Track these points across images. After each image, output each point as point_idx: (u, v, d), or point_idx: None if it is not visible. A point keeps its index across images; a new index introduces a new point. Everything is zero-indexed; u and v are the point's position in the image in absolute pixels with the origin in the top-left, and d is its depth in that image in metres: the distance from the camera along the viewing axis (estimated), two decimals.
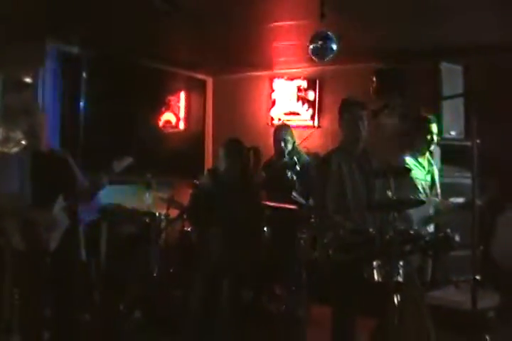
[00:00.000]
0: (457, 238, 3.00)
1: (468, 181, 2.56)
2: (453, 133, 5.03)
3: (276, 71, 6.47)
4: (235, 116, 6.70)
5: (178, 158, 6.40)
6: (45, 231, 3.40)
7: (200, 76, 6.93)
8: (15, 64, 4.93)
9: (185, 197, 5.05)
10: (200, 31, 4.82)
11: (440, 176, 4.27)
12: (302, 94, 6.29)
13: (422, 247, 2.96)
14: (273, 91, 6.49)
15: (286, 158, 4.60)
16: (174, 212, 4.96)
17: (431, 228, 3.86)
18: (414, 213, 3.60)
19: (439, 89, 5.05)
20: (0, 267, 3.54)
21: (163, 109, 6.45)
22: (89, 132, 4.96)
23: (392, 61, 5.50)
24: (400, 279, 2.86)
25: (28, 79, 5.07)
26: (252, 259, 3.62)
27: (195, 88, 6.87)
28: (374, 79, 5.42)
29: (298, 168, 4.55)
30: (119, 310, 4.45)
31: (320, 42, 4.00)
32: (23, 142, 3.38)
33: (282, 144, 4.75)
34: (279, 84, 6.45)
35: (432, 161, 4.26)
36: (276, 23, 4.59)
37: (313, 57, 4.13)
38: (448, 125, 4.99)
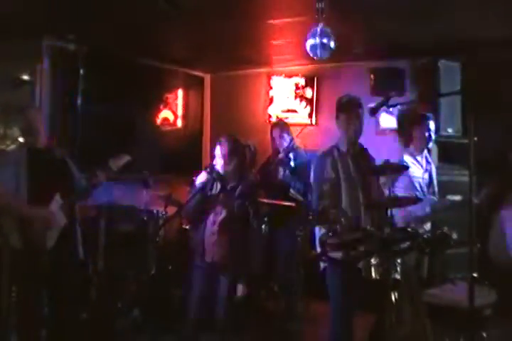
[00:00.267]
0: (454, 236, 3.01)
1: (466, 179, 2.56)
2: (450, 130, 5.03)
3: (274, 68, 6.46)
4: (232, 113, 6.69)
5: (175, 155, 6.39)
6: (43, 229, 3.40)
7: (197, 73, 6.92)
8: (12, 61, 4.92)
9: (183, 194, 5.06)
10: (197, 28, 4.81)
11: (437, 174, 4.28)
12: (300, 91, 6.29)
13: (420, 245, 2.97)
14: (271, 88, 6.49)
15: (282, 155, 4.60)
16: (172, 210, 4.96)
17: (428, 226, 3.87)
18: (412, 211, 3.61)
19: (437, 87, 5.06)
20: None
21: (161, 106, 6.43)
22: (86, 130, 4.95)
23: (389, 58, 5.50)
24: (398, 277, 2.87)
25: (25, 77, 5.06)
26: (248, 257, 3.62)
27: (193, 85, 6.85)
28: (372, 76, 5.42)
29: (292, 164, 4.56)
30: (117, 309, 4.45)
31: (318, 40, 3.99)
32: (20, 140, 3.37)
33: (278, 141, 4.75)
34: (277, 81, 6.44)
35: (430, 159, 4.26)
36: (274, 20, 4.58)
37: (311, 55, 4.12)
38: (445, 122, 5.00)
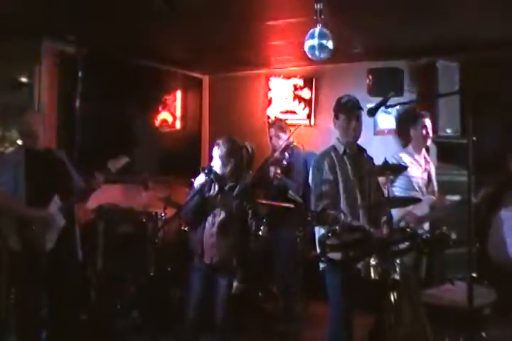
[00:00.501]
0: (453, 236, 3.01)
1: (465, 179, 2.56)
2: (449, 130, 5.04)
3: (273, 69, 6.46)
4: (231, 114, 6.69)
5: (174, 157, 6.38)
6: (42, 231, 3.40)
7: (196, 75, 6.92)
8: (11, 63, 4.92)
9: (181, 196, 5.06)
10: (196, 30, 4.81)
11: (436, 174, 4.28)
12: (298, 92, 6.29)
13: (419, 245, 2.97)
14: (269, 89, 6.48)
15: (277, 155, 4.59)
16: (171, 211, 4.95)
17: (427, 226, 3.87)
18: (411, 211, 3.62)
19: (436, 87, 5.07)
20: None
21: (160, 108, 6.43)
22: (85, 131, 4.95)
23: (388, 59, 5.51)
24: (397, 277, 2.87)
25: (24, 79, 5.06)
26: (246, 258, 3.62)
27: (192, 87, 6.85)
28: (370, 77, 5.42)
29: (285, 163, 4.55)
30: (116, 310, 4.45)
31: (316, 41, 3.99)
32: (19, 142, 3.37)
33: (274, 141, 4.75)
34: (275, 82, 6.44)
35: (429, 158, 4.27)
36: (272, 22, 4.58)
37: (309, 56, 4.13)
38: (444, 123, 5.00)
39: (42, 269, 3.42)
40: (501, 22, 4.34)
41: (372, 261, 2.83)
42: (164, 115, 6.49)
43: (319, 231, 3.17)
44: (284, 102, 6.37)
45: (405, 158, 4.04)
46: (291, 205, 4.37)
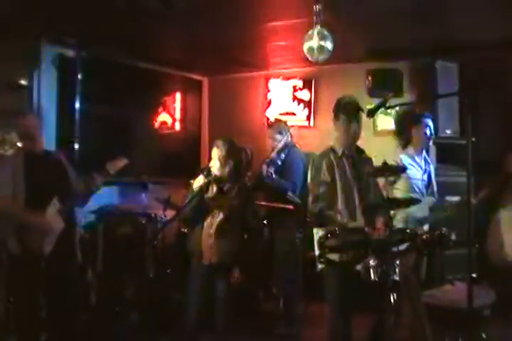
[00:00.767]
0: (453, 236, 3.00)
1: (464, 179, 2.56)
2: (448, 131, 5.04)
3: (272, 71, 6.46)
4: (230, 116, 6.69)
5: (174, 158, 6.38)
6: (41, 233, 3.39)
7: (195, 76, 6.93)
8: (10, 65, 4.92)
9: (181, 198, 5.05)
10: (195, 31, 4.82)
11: (436, 175, 4.27)
12: (298, 94, 6.29)
13: (418, 246, 2.97)
14: (269, 91, 6.49)
15: (273, 155, 4.58)
16: (171, 213, 4.95)
17: (426, 227, 3.86)
18: (411, 212, 3.61)
19: (435, 88, 5.06)
20: None
21: (159, 109, 6.44)
22: (84, 133, 4.95)
23: (387, 60, 5.51)
24: (396, 278, 2.87)
25: (23, 81, 5.06)
26: (246, 259, 3.62)
27: (191, 89, 6.86)
28: (369, 78, 5.42)
29: (279, 163, 4.54)
30: (115, 312, 4.44)
31: (315, 42, 3.99)
32: (18, 144, 3.37)
33: (271, 142, 4.75)
34: (274, 84, 6.44)
35: (429, 160, 4.26)
36: (271, 23, 4.59)
37: (308, 57, 4.12)
38: (443, 123, 5.00)
39: (41, 272, 3.41)
40: (501, 22, 4.34)
41: (372, 262, 2.83)
42: (164, 117, 6.50)
43: (318, 232, 3.16)
44: (284, 104, 6.37)
45: (405, 160, 4.03)
46: (290, 206, 4.37)
